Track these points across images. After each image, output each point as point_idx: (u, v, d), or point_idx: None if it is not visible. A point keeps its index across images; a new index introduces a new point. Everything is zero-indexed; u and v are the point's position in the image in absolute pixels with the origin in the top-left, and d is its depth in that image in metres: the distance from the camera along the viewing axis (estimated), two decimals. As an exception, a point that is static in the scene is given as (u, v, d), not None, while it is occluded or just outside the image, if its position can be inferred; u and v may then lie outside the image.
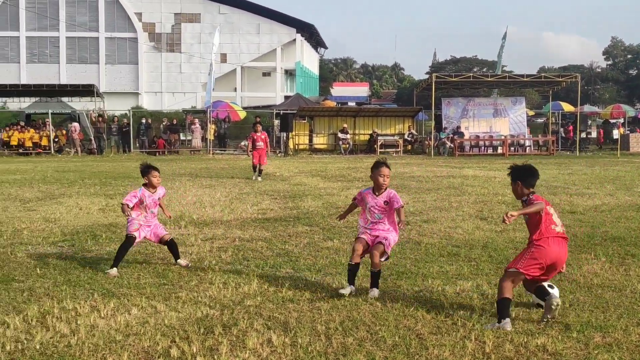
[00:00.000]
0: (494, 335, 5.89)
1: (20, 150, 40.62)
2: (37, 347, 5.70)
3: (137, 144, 42.91)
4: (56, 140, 42.07)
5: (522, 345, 5.72)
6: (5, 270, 8.60)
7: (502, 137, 42.40)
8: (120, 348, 5.66)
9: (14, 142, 41.25)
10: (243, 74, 78.68)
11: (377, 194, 7.57)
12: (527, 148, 43.02)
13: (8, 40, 76.05)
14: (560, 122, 48.17)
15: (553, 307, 6.33)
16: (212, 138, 43.08)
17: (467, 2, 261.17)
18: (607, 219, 12.82)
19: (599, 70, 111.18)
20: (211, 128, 43.06)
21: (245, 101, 72.66)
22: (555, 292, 6.58)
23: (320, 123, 44.80)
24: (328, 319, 6.44)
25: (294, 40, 79.67)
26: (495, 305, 6.36)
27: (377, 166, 7.59)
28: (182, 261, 8.89)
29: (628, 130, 50.18)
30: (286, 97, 68.59)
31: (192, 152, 42.29)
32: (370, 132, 43.90)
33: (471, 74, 51.53)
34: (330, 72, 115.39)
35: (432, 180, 21.61)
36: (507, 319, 6.13)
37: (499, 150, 41.90)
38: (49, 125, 42.11)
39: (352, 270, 7.44)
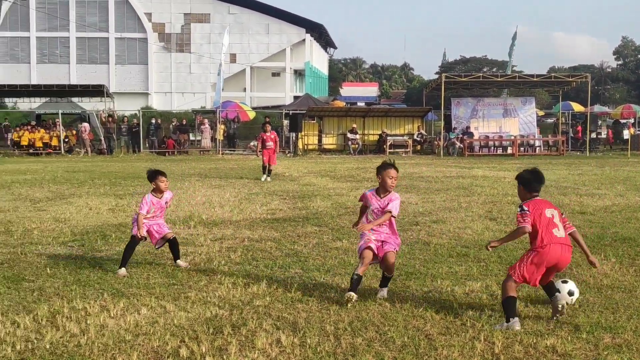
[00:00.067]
0: (503, 336, 5.88)
1: (31, 151, 40.78)
2: (47, 346, 5.72)
3: (147, 144, 43.02)
4: (66, 140, 42.20)
5: (531, 346, 5.70)
6: (16, 270, 8.64)
7: (512, 138, 42.26)
8: (130, 348, 5.68)
9: (24, 142, 41.40)
10: (252, 74, 78.73)
11: (381, 196, 7.31)
12: (537, 148, 42.87)
13: (18, 41, 76.36)
14: (570, 122, 48.01)
15: (559, 307, 6.34)
16: (222, 138, 43.12)
17: (477, 1, 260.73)
18: (618, 219, 12.77)
19: (610, 70, 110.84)
20: (220, 128, 43.11)
21: (254, 101, 72.71)
22: (567, 286, 6.65)
23: (330, 123, 44.79)
24: (337, 319, 6.44)
25: (304, 40, 79.65)
26: (502, 305, 6.35)
27: (385, 167, 7.30)
28: (181, 262, 8.90)
29: (638, 130, 49.93)
30: (295, 97, 68.58)
31: (201, 153, 42.35)
32: (379, 132, 43.84)
33: (481, 74, 51.47)
34: (340, 72, 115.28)
35: (441, 180, 21.57)
36: (516, 319, 6.12)
37: (509, 151, 41.76)
38: (59, 125, 42.26)
39: (358, 281, 7.07)
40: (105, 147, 41.32)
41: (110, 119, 42.18)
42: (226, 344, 5.75)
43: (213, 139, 43.14)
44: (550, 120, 57.78)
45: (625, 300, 7.09)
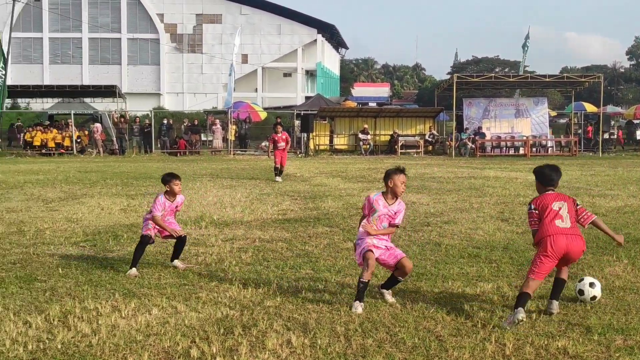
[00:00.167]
0: (514, 338, 5.87)
1: (43, 151, 40.93)
2: (59, 346, 5.75)
3: (159, 145, 43.09)
4: (78, 140, 42.34)
5: (542, 347, 5.69)
6: (28, 270, 8.69)
7: (524, 138, 42.09)
8: (141, 348, 5.70)
9: (37, 143, 41.56)
10: (264, 74, 78.78)
11: (390, 202, 7.12)
12: (549, 149, 42.68)
13: (31, 42, 76.69)
14: (582, 122, 47.78)
15: (552, 311, 6.61)
16: (233, 138, 43.18)
17: (490, 2, 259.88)
18: (630, 220, 12.71)
19: (622, 70, 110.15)
20: (232, 129, 43.16)
21: (266, 102, 72.76)
22: (594, 291, 6.86)
23: (341, 123, 44.76)
24: (347, 320, 6.44)
25: (315, 40, 79.61)
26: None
27: (397, 172, 7.11)
28: (178, 263, 8.90)
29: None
30: (307, 98, 68.53)
31: (213, 153, 42.41)
32: (391, 132, 43.77)
33: (493, 75, 51.23)
34: (351, 72, 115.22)
35: (453, 181, 21.52)
36: (520, 309, 6.20)
37: (521, 151, 41.57)
38: (71, 125, 42.41)
39: (365, 289, 6.89)
40: (117, 147, 41.46)
41: (122, 120, 42.31)
42: (237, 345, 5.76)
43: (224, 140, 43.21)
44: (562, 121, 57.46)
45: (637, 302, 7.06)
